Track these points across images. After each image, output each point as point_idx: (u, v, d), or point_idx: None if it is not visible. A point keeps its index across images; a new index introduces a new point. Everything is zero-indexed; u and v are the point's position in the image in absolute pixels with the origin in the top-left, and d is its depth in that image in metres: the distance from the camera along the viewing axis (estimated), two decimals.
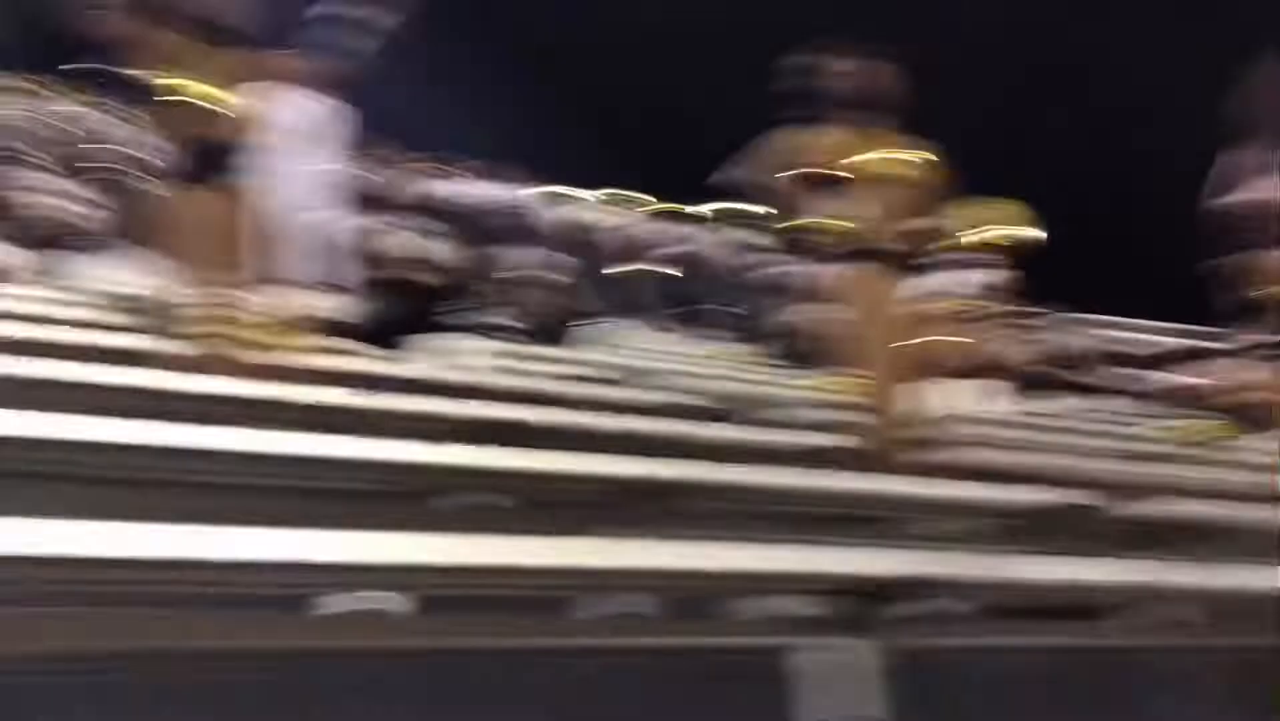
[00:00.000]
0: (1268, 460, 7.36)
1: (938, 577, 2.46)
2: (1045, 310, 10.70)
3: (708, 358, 9.92)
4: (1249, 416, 8.62)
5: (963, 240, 11.52)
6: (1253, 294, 6.83)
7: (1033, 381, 9.72)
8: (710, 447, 4.55)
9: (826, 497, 3.93)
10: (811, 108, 4.71)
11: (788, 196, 4.79)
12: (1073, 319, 11.31)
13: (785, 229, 12.57)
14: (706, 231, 13.22)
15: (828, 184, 4.74)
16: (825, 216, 4.74)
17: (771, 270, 10.97)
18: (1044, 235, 10.81)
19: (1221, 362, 8.97)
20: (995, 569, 2.69)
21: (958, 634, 2.72)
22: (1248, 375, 8.76)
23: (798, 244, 12.18)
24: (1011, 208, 10.82)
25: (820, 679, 2.44)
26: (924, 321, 4.61)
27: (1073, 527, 4.45)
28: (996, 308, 10.03)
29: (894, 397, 4.46)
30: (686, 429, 4.69)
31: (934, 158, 4.72)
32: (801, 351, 9.79)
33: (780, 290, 10.65)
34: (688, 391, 6.20)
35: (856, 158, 4.59)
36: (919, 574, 2.44)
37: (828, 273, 4.82)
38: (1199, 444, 7.96)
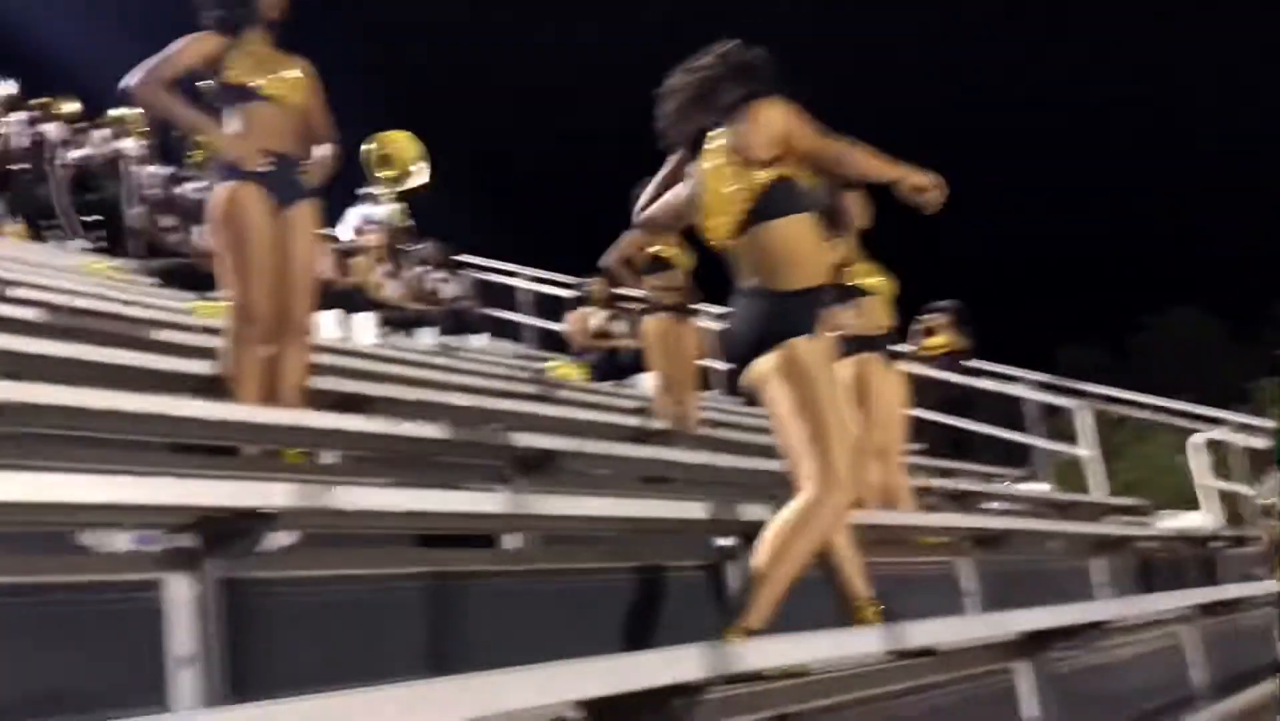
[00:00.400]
0: (622, 402, 8.17)
1: (285, 508, 2.42)
2: (431, 248, 10.99)
3: (75, 271, 9.10)
4: (604, 361, 9.50)
5: (368, 169, 11.54)
6: (623, 255, 7.51)
7: (412, 317, 9.97)
8: (67, 368, 4.17)
9: (184, 425, 3.75)
10: (226, 17, 4.42)
11: (168, 108, 4.44)
12: (457, 260, 11.72)
13: (149, 135, 11.82)
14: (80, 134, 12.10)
15: (209, 97, 4.47)
16: (204, 132, 4.46)
17: (154, 184, 10.27)
18: (431, 174, 11.07)
19: (582, 311, 9.76)
20: (349, 499, 2.70)
21: (303, 564, 2.73)
22: (607, 325, 9.64)
23: (180, 159, 11.50)
24: (404, 143, 10.86)
25: (169, 612, 2.35)
26: (303, 248, 4.48)
27: (436, 459, 4.63)
28: (382, 241, 10.13)
29: (260, 324, 4.31)
30: (39, 347, 4.24)
31: (313, 79, 4.61)
32: (179, 270, 9.30)
33: (168, 205, 10.03)
34: (42, 306, 5.64)
35: (237, 72, 4.37)
36: (265, 504, 2.39)
37: (206, 191, 4.57)
38: (558, 383, 8.62)
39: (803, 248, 3.42)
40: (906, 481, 6.03)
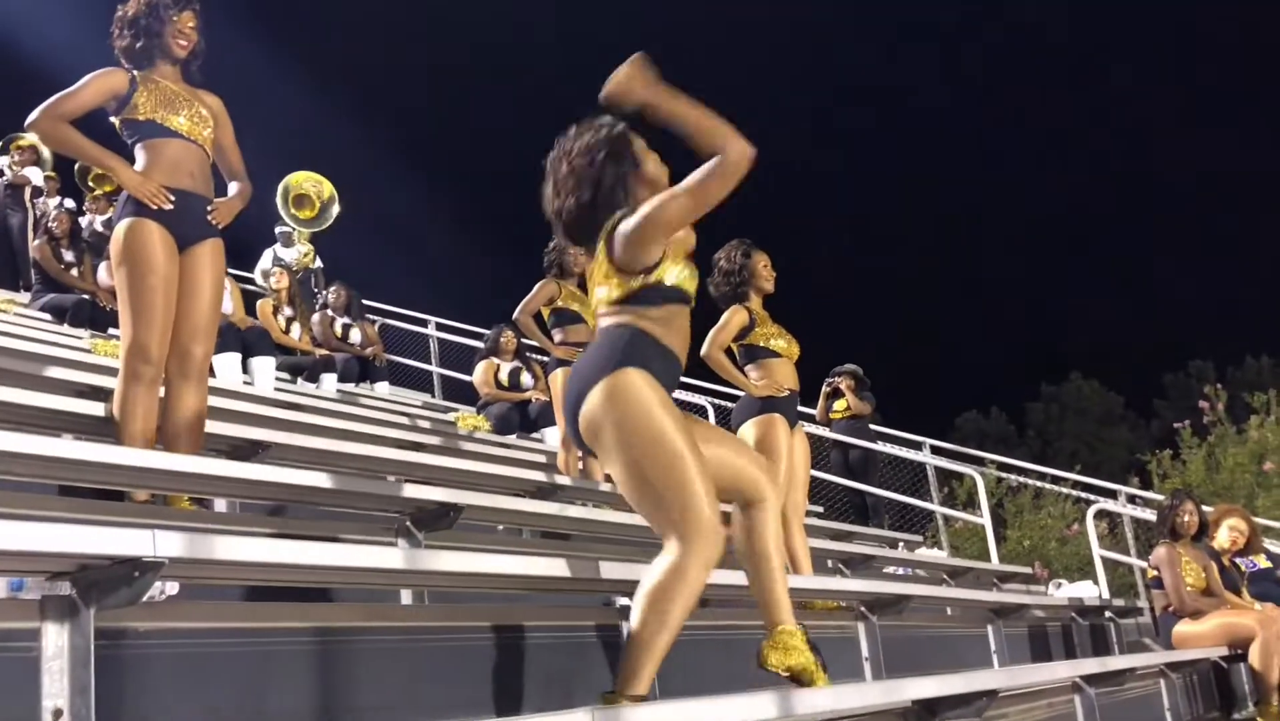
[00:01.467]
0: (528, 456, 8.12)
1: (169, 557, 2.34)
2: (338, 292, 10.87)
3: None
4: (511, 413, 9.44)
5: (281, 209, 11.42)
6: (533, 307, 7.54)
7: (315, 363, 9.82)
8: None
9: (71, 467, 3.63)
10: (133, 51, 4.36)
11: (70, 142, 4.34)
12: (364, 305, 11.59)
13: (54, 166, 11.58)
14: None
15: (118, 133, 4.39)
16: (107, 167, 4.37)
17: (58, 216, 10.02)
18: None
19: (491, 362, 9.70)
20: (236, 550, 2.62)
21: (187, 615, 2.65)
22: (516, 377, 9.59)
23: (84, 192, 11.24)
24: (317, 183, 10.80)
25: (45, 662, 2.27)
26: (204, 288, 4.38)
27: (332, 509, 4.55)
28: (287, 284, 10.00)
29: (156, 364, 4.20)
30: None
31: (224, 115, 4.56)
32: (78, 306, 9.07)
33: (71, 239, 9.79)
34: None
35: (143, 107, 4.30)
36: (148, 554, 2.31)
37: (109, 226, 4.45)
38: (465, 435, 8.54)
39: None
40: (806, 544, 6.07)
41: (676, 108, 3.08)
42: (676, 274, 3.21)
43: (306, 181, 11.22)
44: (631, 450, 3.03)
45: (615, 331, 3.17)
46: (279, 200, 11.33)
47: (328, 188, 11.20)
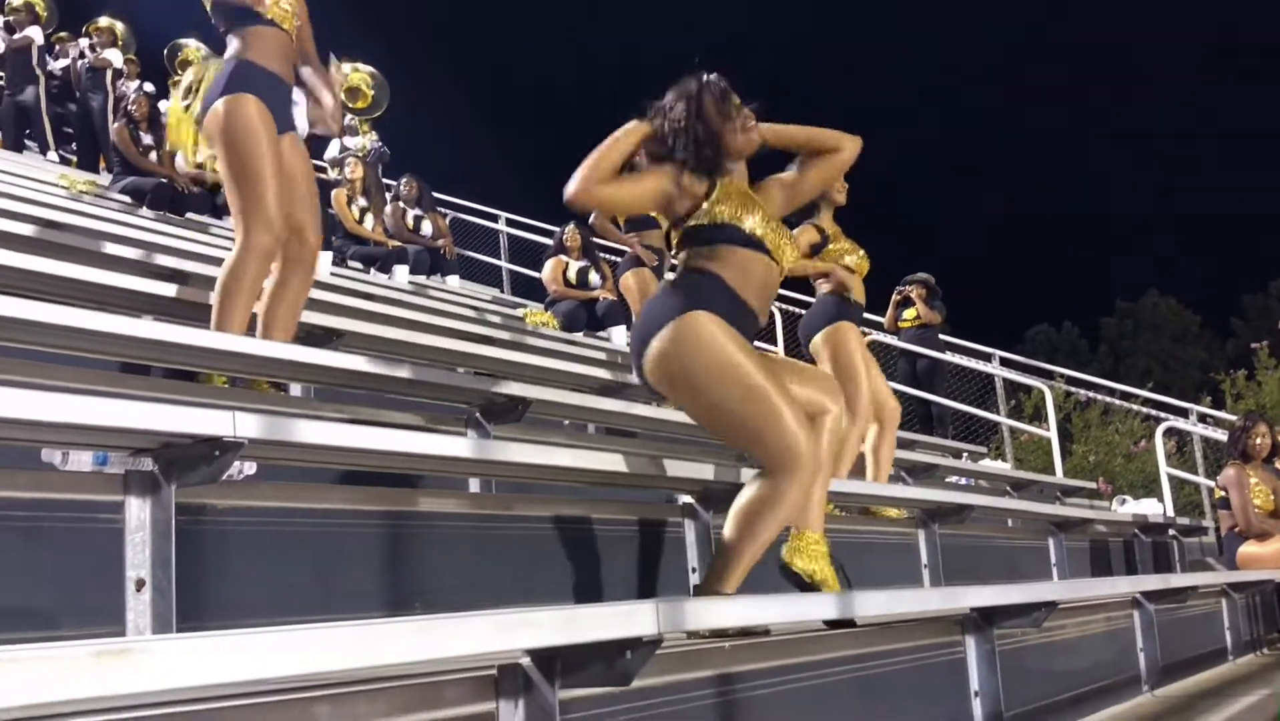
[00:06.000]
0: (593, 354, 8.16)
1: (250, 438, 2.40)
2: (410, 184, 10.89)
3: (48, 184, 8.99)
4: (579, 311, 9.49)
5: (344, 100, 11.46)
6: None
7: (388, 253, 9.90)
8: (29, 281, 4.13)
9: (150, 346, 3.70)
10: None
11: None
12: (435, 198, 11.62)
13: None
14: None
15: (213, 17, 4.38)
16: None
17: (138, 99, 10.10)
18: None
19: (560, 259, 9.73)
20: (315, 433, 2.68)
21: (263, 494, 2.72)
22: (585, 275, 9.62)
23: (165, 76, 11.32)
24: (365, 74, 10.84)
25: (128, 534, 2.35)
26: (305, 170, 4.36)
27: (402, 398, 4.62)
28: (361, 174, 10.03)
29: (280, 237, 4.15)
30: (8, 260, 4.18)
31: (304, 3, 4.53)
32: (157, 190, 9.20)
33: (151, 122, 9.88)
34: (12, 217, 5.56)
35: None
36: (229, 433, 2.37)
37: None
38: (534, 330, 8.60)
39: None
40: (891, 455, 6.04)
41: None
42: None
43: (353, 74, 11.36)
44: (710, 392, 3.07)
45: (683, 275, 3.21)
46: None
47: (376, 77, 11.29)
